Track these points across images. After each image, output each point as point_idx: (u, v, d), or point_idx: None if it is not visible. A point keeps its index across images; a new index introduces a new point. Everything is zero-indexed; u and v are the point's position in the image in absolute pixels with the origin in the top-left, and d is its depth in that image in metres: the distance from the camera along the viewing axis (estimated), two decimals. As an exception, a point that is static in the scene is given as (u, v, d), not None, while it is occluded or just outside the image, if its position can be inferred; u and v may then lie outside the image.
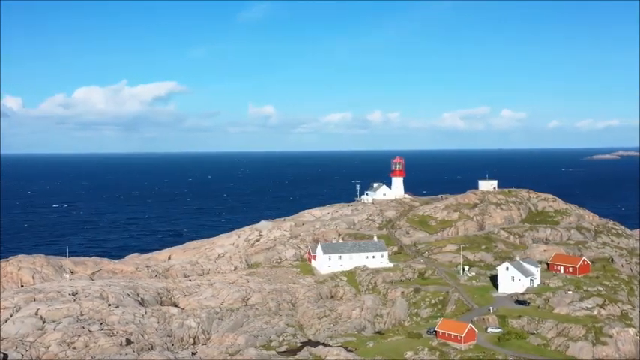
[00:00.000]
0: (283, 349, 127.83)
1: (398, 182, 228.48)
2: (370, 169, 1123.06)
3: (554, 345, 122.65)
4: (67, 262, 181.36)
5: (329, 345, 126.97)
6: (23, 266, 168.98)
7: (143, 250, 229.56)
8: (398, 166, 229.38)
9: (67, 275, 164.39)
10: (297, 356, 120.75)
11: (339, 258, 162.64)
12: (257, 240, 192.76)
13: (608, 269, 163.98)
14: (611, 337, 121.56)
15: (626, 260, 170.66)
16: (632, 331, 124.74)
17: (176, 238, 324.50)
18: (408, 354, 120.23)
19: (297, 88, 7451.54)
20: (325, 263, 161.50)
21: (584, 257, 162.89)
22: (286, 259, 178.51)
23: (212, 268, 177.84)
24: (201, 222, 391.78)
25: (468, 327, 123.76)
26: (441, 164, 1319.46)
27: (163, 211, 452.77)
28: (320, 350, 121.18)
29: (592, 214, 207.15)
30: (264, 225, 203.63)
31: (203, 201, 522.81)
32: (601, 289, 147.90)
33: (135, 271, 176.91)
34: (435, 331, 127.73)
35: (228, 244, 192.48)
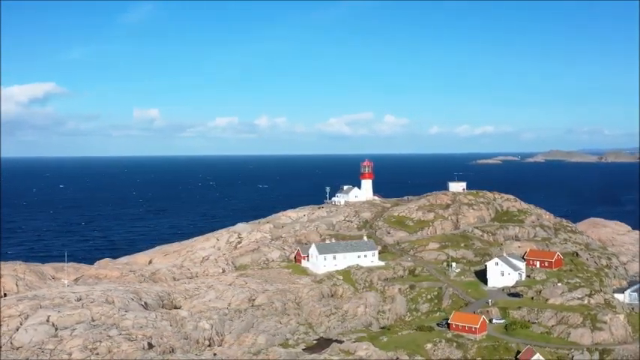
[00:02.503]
0: (302, 347, 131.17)
1: (367, 184, 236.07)
2: (266, 173, 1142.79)
3: (557, 332, 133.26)
4: (47, 268, 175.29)
5: (342, 341, 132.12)
6: (5, 273, 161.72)
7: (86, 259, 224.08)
8: (367, 168, 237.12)
9: (66, 281, 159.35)
10: (327, 353, 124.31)
11: (334, 258, 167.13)
12: (239, 242, 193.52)
13: (577, 263, 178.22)
14: (605, 323, 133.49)
15: (590, 254, 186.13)
16: (621, 317, 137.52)
17: (113, 245, 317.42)
18: (428, 346, 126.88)
19: (183, 92, 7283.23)
20: (321, 263, 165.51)
21: (558, 252, 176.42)
22: (273, 261, 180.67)
23: (199, 271, 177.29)
24: (130, 229, 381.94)
25: (482, 319, 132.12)
26: (328, 168, 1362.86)
27: (80, 217, 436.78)
28: (349, 346, 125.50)
29: (548, 213, 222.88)
30: (242, 227, 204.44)
31: (116, 207, 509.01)
32: (579, 280, 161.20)
33: (121, 276, 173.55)
34: (448, 324, 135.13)
35: (209, 247, 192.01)
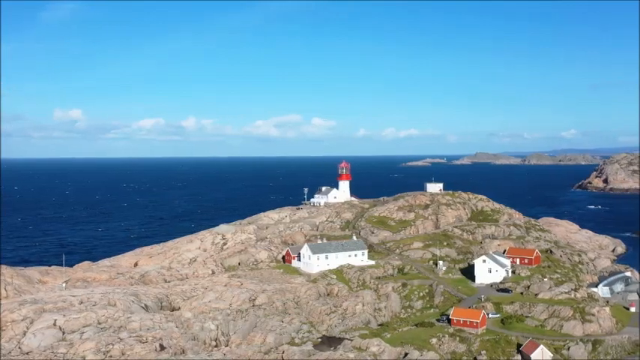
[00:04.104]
0: (309, 345, 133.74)
1: (345, 185, 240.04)
2: (200, 175, 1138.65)
3: (550, 325, 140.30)
4: (33, 272, 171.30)
5: (347, 338, 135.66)
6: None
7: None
8: (344, 170, 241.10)
9: (64, 285, 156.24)
10: (341, 350, 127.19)
11: (326, 258, 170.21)
12: (224, 244, 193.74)
13: (552, 259, 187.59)
14: (594, 315, 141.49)
15: (563, 251, 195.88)
16: (607, 309, 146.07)
17: (66, 249, 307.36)
18: (433, 340, 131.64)
19: (107, 92, 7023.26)
20: (314, 263, 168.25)
21: (536, 250, 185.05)
22: (262, 261, 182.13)
23: (189, 273, 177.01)
24: (79, 232, 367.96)
25: (482, 314, 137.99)
26: (259, 170, 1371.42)
27: (23, 221, 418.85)
28: (359, 342, 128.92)
29: (518, 212, 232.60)
30: (226, 229, 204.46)
31: (56, 210, 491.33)
32: (559, 276, 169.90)
33: (110, 278, 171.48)
34: (449, 319, 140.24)
35: (194, 248, 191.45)
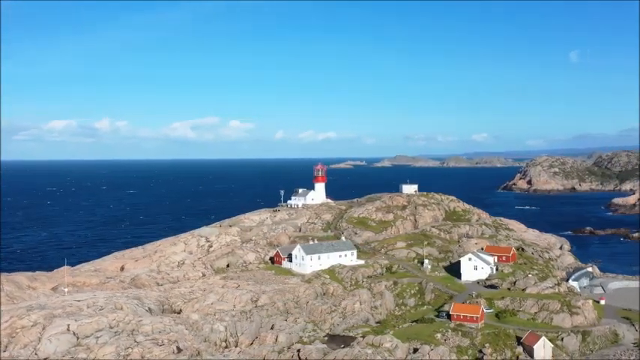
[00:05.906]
0: (319, 344, 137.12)
1: (321, 187, 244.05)
2: (125, 178, 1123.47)
3: (540, 318, 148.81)
4: (22, 277, 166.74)
5: (350, 336, 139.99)
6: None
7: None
8: (320, 172, 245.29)
9: (65, 289, 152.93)
10: (358, 347, 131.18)
11: (319, 258, 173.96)
12: (210, 246, 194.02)
13: (525, 257, 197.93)
14: (579, 308, 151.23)
15: (533, 249, 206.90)
16: (590, 302, 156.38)
17: (16, 256, 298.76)
18: (438, 335, 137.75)
19: (14, 91, 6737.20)
20: (308, 263, 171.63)
21: (512, 247, 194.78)
22: (251, 263, 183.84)
23: (180, 276, 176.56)
24: (22, 239, 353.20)
25: (482, 309, 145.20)
26: (178, 173, 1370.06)
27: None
28: (372, 339, 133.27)
29: (485, 212, 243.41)
30: (209, 231, 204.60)
31: None
32: (537, 272, 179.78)
33: (100, 283, 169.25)
34: (449, 315, 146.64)
35: (180, 251, 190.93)
